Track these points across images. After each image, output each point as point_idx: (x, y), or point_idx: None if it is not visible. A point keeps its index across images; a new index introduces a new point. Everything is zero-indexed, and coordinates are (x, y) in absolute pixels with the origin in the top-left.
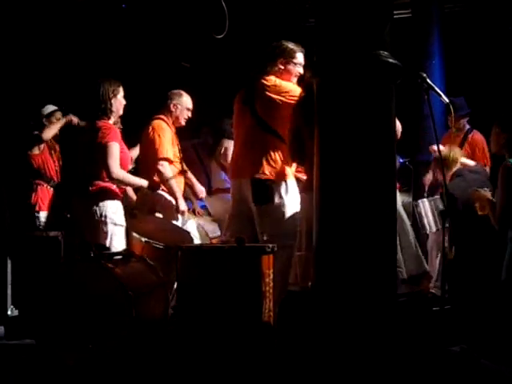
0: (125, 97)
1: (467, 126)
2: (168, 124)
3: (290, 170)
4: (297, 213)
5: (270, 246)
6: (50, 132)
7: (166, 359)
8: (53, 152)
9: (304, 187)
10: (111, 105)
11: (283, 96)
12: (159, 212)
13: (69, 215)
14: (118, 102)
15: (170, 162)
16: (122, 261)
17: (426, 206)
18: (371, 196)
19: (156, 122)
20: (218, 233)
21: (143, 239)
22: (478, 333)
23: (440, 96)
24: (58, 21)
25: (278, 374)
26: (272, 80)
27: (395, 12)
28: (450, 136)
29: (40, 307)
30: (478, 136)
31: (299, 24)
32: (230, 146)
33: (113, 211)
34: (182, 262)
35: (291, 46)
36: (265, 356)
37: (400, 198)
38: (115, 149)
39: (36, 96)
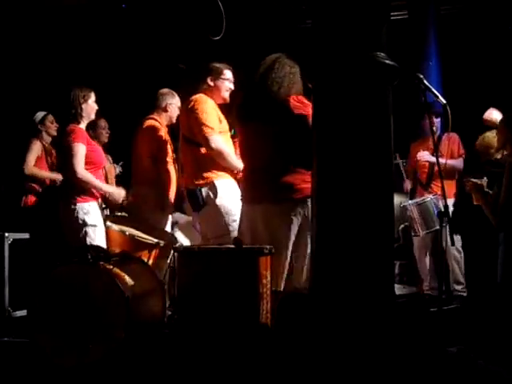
0: (121, 99)
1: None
2: (161, 124)
3: (222, 172)
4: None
5: (268, 247)
6: (35, 173)
7: (163, 361)
8: (49, 158)
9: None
10: (81, 110)
11: (191, 109)
12: (147, 211)
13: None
14: (89, 107)
15: (163, 161)
16: (119, 262)
17: (414, 210)
18: (368, 198)
19: (148, 122)
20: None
21: (127, 233)
22: (475, 334)
23: (437, 97)
24: (58, 21)
25: (275, 376)
26: (193, 98)
27: (392, 13)
28: (426, 138)
29: (37, 309)
30: (452, 134)
31: (296, 26)
32: None
33: (84, 212)
34: (180, 264)
35: (218, 64)
36: (262, 357)
37: (397, 200)
38: (79, 149)
39: (35, 99)
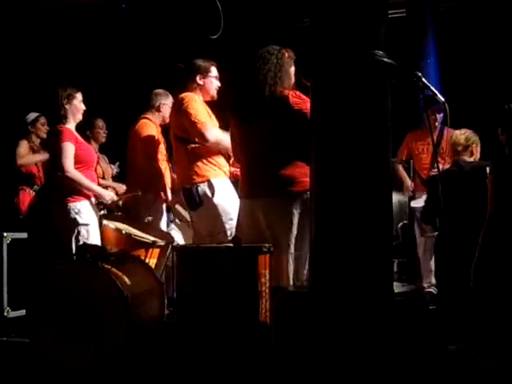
0: (121, 98)
1: (439, 122)
2: (154, 123)
3: (217, 170)
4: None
5: (267, 245)
6: (28, 160)
7: (163, 360)
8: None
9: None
10: (65, 110)
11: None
12: (142, 210)
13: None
14: (74, 107)
15: (156, 159)
16: (118, 262)
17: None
18: (366, 195)
19: (142, 122)
20: None
21: (124, 231)
22: (474, 332)
23: (435, 95)
24: (58, 22)
25: (274, 374)
26: (182, 96)
27: (390, 11)
28: (425, 132)
29: (36, 308)
30: (452, 131)
31: (294, 24)
32: None
33: (76, 211)
34: (179, 262)
35: (203, 62)
36: (261, 356)
37: (395, 198)
38: (67, 148)
39: (30, 100)
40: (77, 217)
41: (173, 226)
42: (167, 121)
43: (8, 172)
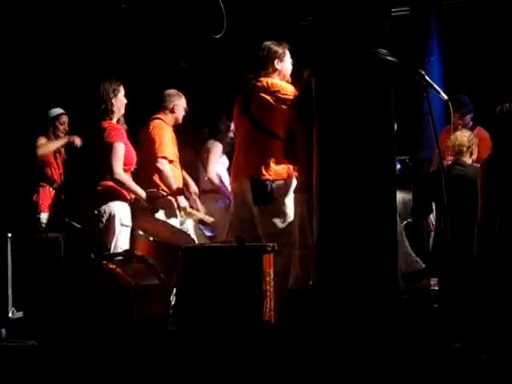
0: (125, 97)
1: (471, 123)
2: (168, 124)
3: (290, 170)
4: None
5: (271, 245)
6: (46, 149)
7: (167, 359)
8: (58, 155)
9: (296, 188)
10: (112, 105)
11: (276, 95)
12: (160, 209)
13: (67, 218)
14: (119, 102)
15: (170, 161)
16: (123, 261)
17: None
18: (371, 194)
19: (156, 122)
20: (214, 232)
21: (151, 238)
22: (479, 329)
23: (439, 93)
24: (57, 22)
25: (279, 374)
26: (264, 81)
27: (393, 9)
28: (448, 132)
29: (41, 308)
30: (483, 133)
31: (297, 23)
32: (213, 147)
33: (121, 211)
34: (183, 262)
35: (278, 47)
36: (266, 355)
37: (400, 196)
38: (120, 149)
39: (40, 97)
40: (122, 217)
41: (186, 223)
42: (179, 121)
43: (26, 169)
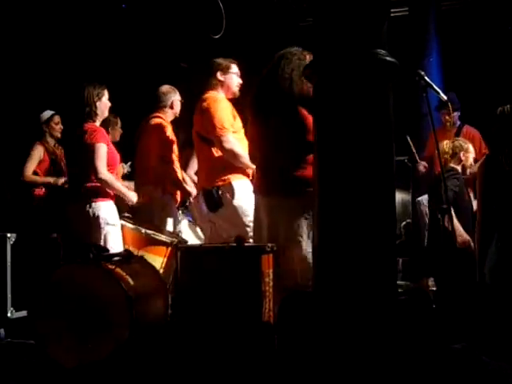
0: (124, 98)
1: (458, 122)
2: (168, 122)
3: (237, 173)
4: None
5: (270, 245)
6: (32, 180)
7: (167, 360)
8: (53, 157)
9: (253, 188)
10: (96, 107)
11: (210, 105)
12: (159, 212)
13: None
14: (103, 105)
15: (172, 159)
16: (122, 262)
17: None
18: (370, 194)
19: (155, 121)
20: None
21: (143, 230)
22: (479, 330)
23: (438, 93)
24: (57, 22)
25: (278, 374)
26: (206, 97)
27: (392, 10)
28: (444, 131)
29: (40, 309)
30: (471, 130)
31: (296, 23)
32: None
33: (105, 211)
34: (182, 262)
35: (223, 60)
36: (265, 356)
37: (399, 196)
38: (102, 150)
39: (35, 98)
40: (107, 216)
41: (186, 225)
42: (177, 115)
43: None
